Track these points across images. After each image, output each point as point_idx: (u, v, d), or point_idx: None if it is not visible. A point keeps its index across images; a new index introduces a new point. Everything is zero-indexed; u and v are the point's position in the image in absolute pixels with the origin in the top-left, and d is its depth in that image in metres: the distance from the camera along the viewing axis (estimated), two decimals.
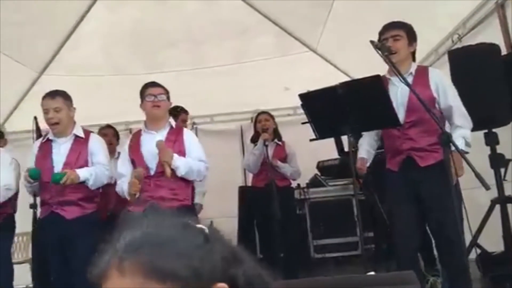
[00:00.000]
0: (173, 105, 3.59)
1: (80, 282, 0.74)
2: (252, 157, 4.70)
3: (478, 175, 2.21)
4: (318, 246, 5.33)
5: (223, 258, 0.72)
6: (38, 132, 3.85)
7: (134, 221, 0.75)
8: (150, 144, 3.23)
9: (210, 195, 4.78)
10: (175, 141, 3.29)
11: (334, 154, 5.40)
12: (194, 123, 6.32)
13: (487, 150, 3.44)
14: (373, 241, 4.82)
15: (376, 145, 3.30)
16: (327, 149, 5.10)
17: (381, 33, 3.03)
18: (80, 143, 3.42)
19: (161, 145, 3.14)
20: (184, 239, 0.71)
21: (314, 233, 5.34)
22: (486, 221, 3.34)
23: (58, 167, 3.33)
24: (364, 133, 3.32)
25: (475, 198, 3.56)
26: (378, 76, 2.81)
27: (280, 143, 4.89)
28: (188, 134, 3.42)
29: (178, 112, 4.61)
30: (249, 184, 5.62)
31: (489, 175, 3.04)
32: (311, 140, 3.13)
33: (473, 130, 3.13)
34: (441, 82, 2.98)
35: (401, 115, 2.92)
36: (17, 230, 5.03)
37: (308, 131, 3.32)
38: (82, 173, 3.27)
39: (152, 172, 3.22)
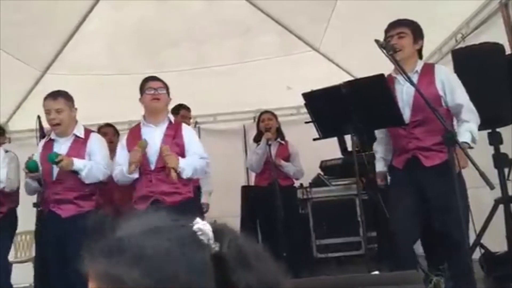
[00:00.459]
0: (175, 104, 3.62)
1: (78, 280, 0.73)
2: (255, 156, 4.70)
3: (482, 174, 2.21)
4: (321, 246, 5.32)
5: (216, 264, 0.68)
6: (41, 131, 3.86)
7: (118, 224, 0.75)
8: (150, 137, 3.27)
9: (212, 195, 4.80)
10: (174, 136, 3.32)
11: (337, 154, 5.40)
12: (196, 123, 6.31)
13: (491, 149, 3.43)
14: (376, 241, 4.81)
15: (391, 149, 3.23)
16: (330, 149, 5.10)
17: (386, 31, 3.02)
18: (80, 143, 3.44)
19: (166, 150, 3.16)
20: (153, 246, 0.68)
21: (317, 233, 5.32)
22: (490, 221, 3.33)
23: (56, 169, 3.35)
24: (378, 139, 3.29)
25: (479, 198, 3.54)
26: (381, 75, 2.80)
27: (283, 142, 4.89)
28: (187, 130, 3.44)
29: (178, 109, 4.64)
30: (252, 183, 5.62)
31: (492, 175, 3.03)
32: (314, 139, 3.13)
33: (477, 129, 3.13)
34: (447, 79, 2.94)
35: (406, 114, 2.91)
36: (20, 229, 5.06)
37: (311, 130, 3.32)
38: (77, 162, 3.29)
39: (152, 167, 3.24)
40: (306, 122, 3.12)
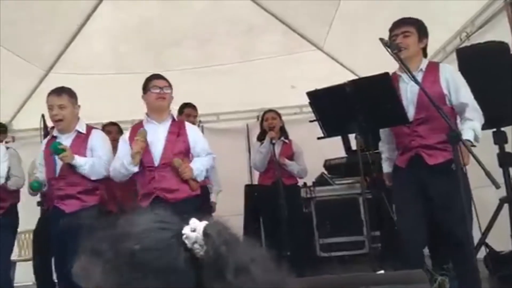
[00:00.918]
0: (178, 103, 3.62)
1: None
2: (259, 155, 4.69)
3: (488, 173, 2.20)
4: (324, 245, 5.31)
5: (191, 268, 0.69)
6: (46, 130, 3.87)
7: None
8: (153, 134, 3.29)
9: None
10: (178, 134, 3.34)
11: (340, 153, 5.39)
12: (200, 122, 6.30)
13: (496, 148, 3.42)
14: (380, 240, 4.80)
15: (395, 148, 3.22)
16: (333, 148, 5.09)
17: (391, 30, 3.01)
18: (81, 139, 3.45)
19: (178, 163, 3.20)
20: (128, 248, 0.70)
21: (320, 232, 5.32)
22: (495, 220, 3.32)
23: (60, 163, 3.37)
24: (382, 139, 3.29)
25: (483, 197, 3.53)
26: (386, 73, 2.79)
27: (287, 141, 4.88)
28: (190, 127, 3.47)
29: (183, 108, 4.65)
30: (255, 182, 5.62)
31: (497, 174, 3.02)
32: (318, 138, 3.12)
33: (482, 128, 3.12)
34: (452, 78, 2.93)
35: (410, 112, 2.90)
36: (23, 228, 5.07)
37: (315, 129, 3.31)
38: (78, 158, 3.30)
39: (156, 163, 3.25)
40: (311, 121, 3.11)
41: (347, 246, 5.28)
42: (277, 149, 4.59)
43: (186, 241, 0.70)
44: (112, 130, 4.62)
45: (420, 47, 3.03)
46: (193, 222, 0.73)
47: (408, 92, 2.95)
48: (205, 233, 0.70)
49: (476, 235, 2.90)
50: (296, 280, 0.78)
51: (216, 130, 6.52)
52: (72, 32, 5.41)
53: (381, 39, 2.69)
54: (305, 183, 5.35)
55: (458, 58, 3.53)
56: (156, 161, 3.25)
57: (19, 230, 4.67)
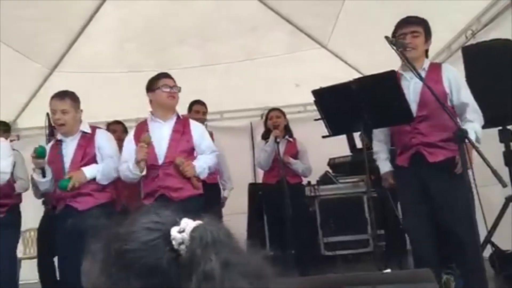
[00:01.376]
0: (182, 101, 3.61)
1: None
2: (264, 153, 4.69)
3: (495, 172, 2.19)
4: (328, 244, 5.31)
5: (173, 268, 0.69)
6: (50, 129, 3.87)
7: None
8: (158, 132, 3.30)
9: None
10: (183, 133, 3.34)
11: (344, 152, 5.38)
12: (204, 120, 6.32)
13: (501, 147, 3.41)
14: (384, 239, 4.79)
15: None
16: (337, 146, 5.08)
17: (398, 28, 3.01)
18: (87, 139, 3.44)
19: (181, 162, 3.20)
20: (118, 248, 0.72)
21: (324, 230, 5.31)
22: (500, 219, 3.31)
23: (67, 165, 3.36)
24: (377, 140, 3.29)
25: (489, 196, 3.52)
26: (393, 71, 2.80)
27: (291, 139, 4.88)
28: (195, 125, 3.46)
29: (192, 105, 4.68)
30: (259, 180, 5.62)
31: (503, 172, 3.01)
32: (323, 137, 3.11)
33: (487, 127, 3.11)
34: (454, 78, 2.97)
35: (412, 110, 2.91)
36: (28, 226, 5.09)
37: (318, 128, 3.30)
38: (89, 172, 3.30)
39: (160, 162, 3.25)
40: (316, 119, 3.10)
41: (351, 244, 5.27)
42: (282, 148, 4.58)
43: (173, 242, 0.70)
44: (117, 129, 4.62)
45: (426, 48, 3.07)
46: (184, 222, 0.73)
47: (411, 90, 2.96)
48: (191, 234, 0.70)
49: (483, 234, 2.89)
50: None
51: (219, 129, 6.49)
52: (76, 31, 5.42)
53: (387, 37, 2.69)
54: (309, 182, 5.34)
55: (464, 56, 3.51)
56: (160, 160, 3.25)
57: (24, 228, 4.70)
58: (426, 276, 1.64)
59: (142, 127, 3.44)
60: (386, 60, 2.93)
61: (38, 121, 4.40)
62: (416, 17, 3.05)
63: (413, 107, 2.92)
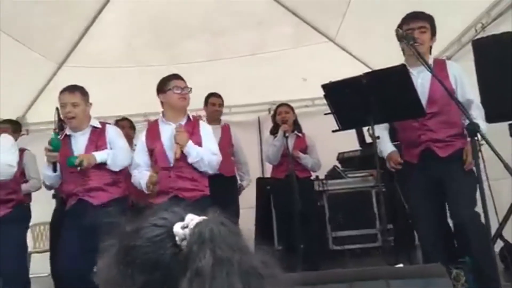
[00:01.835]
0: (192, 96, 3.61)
1: None
2: (272, 148, 4.68)
3: (506, 166, 2.19)
4: (337, 238, 5.30)
5: (174, 263, 0.70)
6: (60, 123, 3.88)
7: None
8: (168, 134, 3.29)
9: None
10: (192, 133, 3.32)
11: (352, 146, 5.36)
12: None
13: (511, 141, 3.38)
14: (393, 233, 4.78)
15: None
16: (345, 141, 5.05)
17: (405, 22, 2.99)
18: (98, 133, 3.45)
19: (180, 128, 3.20)
20: (128, 244, 0.73)
21: (333, 225, 5.31)
22: (511, 213, 3.29)
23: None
24: (378, 127, 3.29)
25: (499, 190, 3.51)
26: (404, 65, 2.79)
27: (300, 134, 4.87)
28: (204, 127, 3.45)
29: (208, 98, 4.77)
30: (266, 175, 5.62)
31: None
32: (333, 131, 3.10)
33: (497, 121, 3.10)
34: (459, 75, 3.00)
35: None
36: (38, 220, 5.12)
37: (326, 122, 3.29)
38: (99, 156, 3.30)
39: (171, 164, 3.24)
40: (326, 114, 3.09)
41: (359, 239, 5.26)
42: (291, 143, 4.57)
43: (176, 238, 0.71)
44: (125, 125, 4.66)
45: (431, 44, 3.08)
46: (189, 218, 0.73)
47: (419, 85, 2.95)
48: (193, 230, 0.70)
49: (495, 228, 2.90)
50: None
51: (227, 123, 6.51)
52: (84, 26, 5.43)
53: (397, 31, 2.69)
54: (317, 176, 5.33)
55: (474, 49, 3.48)
56: (171, 162, 3.24)
57: (33, 222, 4.73)
58: (438, 271, 1.63)
59: (153, 129, 3.43)
60: (395, 54, 2.92)
61: (47, 116, 4.44)
62: (423, 13, 3.06)
63: (422, 103, 2.90)
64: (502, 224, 3.19)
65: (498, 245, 3.41)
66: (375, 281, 1.52)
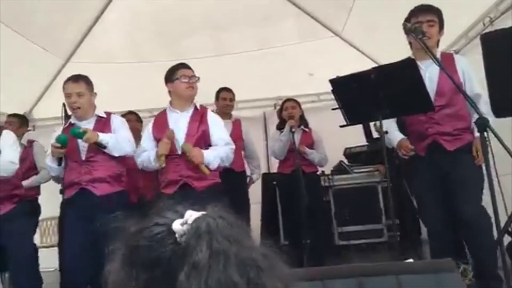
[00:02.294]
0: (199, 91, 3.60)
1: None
2: (279, 143, 4.67)
3: None
4: (343, 233, 5.30)
5: (173, 259, 0.70)
6: (67, 119, 3.88)
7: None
8: (176, 123, 3.32)
9: None
10: (200, 122, 3.34)
11: (358, 141, 5.35)
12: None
13: None
14: (399, 229, 4.77)
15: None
16: (351, 136, 5.04)
17: (413, 16, 2.98)
18: (103, 122, 3.47)
19: (188, 148, 3.19)
20: (131, 243, 0.74)
21: (339, 220, 5.31)
22: None
23: (83, 148, 3.37)
24: (386, 120, 3.28)
25: (506, 185, 3.49)
26: (412, 59, 2.77)
27: (307, 129, 4.85)
28: (211, 115, 3.46)
29: (218, 93, 4.78)
30: (272, 170, 5.62)
31: None
32: (341, 126, 3.09)
33: (506, 115, 3.07)
34: (467, 69, 3.01)
35: None
36: (46, 215, 5.13)
37: (332, 117, 3.28)
38: (102, 135, 3.31)
39: (180, 151, 3.26)
40: (333, 109, 3.08)
41: (365, 234, 5.27)
42: (297, 138, 4.56)
43: (176, 235, 0.71)
44: (131, 118, 4.65)
45: (439, 37, 3.08)
46: (188, 214, 0.73)
47: (427, 79, 2.94)
48: (191, 225, 0.70)
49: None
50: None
51: None
52: (90, 22, 5.43)
53: (405, 24, 2.67)
54: (323, 172, 5.33)
55: (482, 43, 3.42)
56: (179, 149, 3.26)
57: (41, 217, 4.74)
58: (448, 266, 1.62)
59: (161, 118, 3.45)
60: (402, 48, 2.89)
61: (53, 111, 4.44)
62: (431, 6, 3.04)
63: (431, 96, 2.90)
64: (510, 219, 3.17)
65: (505, 241, 3.39)
66: (384, 276, 1.51)
